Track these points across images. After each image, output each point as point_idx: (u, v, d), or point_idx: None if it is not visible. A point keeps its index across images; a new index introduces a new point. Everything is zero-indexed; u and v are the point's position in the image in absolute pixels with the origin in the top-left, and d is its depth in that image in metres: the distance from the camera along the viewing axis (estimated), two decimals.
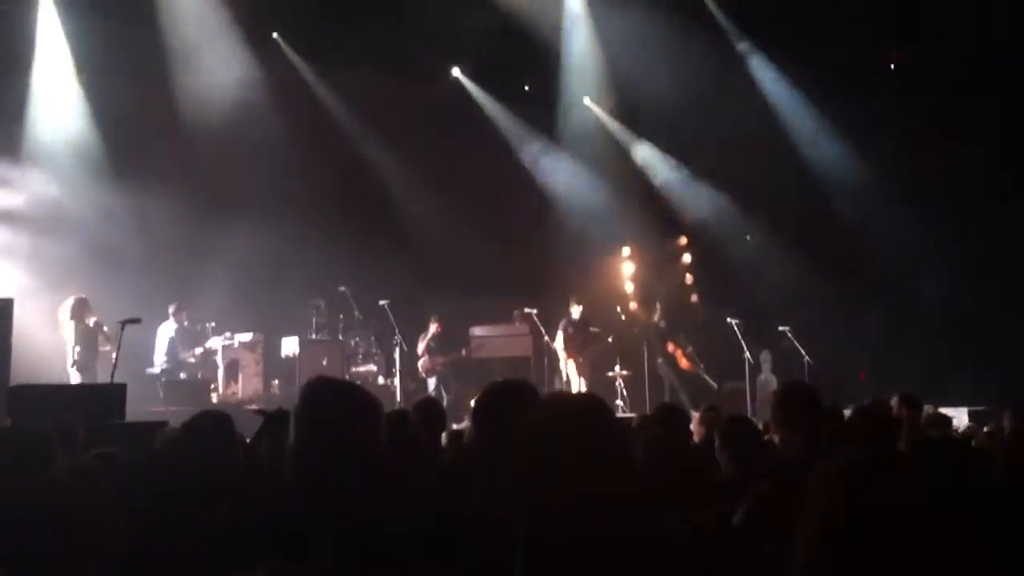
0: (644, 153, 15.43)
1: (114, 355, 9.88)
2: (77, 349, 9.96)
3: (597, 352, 12.82)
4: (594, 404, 1.82)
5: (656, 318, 13.45)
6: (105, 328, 10.12)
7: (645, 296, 14.35)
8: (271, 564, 1.20)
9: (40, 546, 2.06)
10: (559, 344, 12.48)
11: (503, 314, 13.27)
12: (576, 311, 12.66)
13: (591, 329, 12.71)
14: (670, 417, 4.27)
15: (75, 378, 9.91)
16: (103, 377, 9.80)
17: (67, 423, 4.16)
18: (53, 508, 2.13)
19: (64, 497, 2.28)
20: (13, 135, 11.12)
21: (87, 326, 10.08)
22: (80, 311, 10.09)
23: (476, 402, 2.56)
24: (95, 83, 11.68)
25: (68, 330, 10.02)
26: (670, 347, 13.22)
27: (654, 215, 14.98)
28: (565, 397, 2.36)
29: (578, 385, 12.16)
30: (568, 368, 12.42)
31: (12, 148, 11.19)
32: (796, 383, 3.98)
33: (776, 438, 3.68)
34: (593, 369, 12.73)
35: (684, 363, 13.15)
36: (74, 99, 11.56)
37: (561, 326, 12.57)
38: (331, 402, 2.11)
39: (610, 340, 12.97)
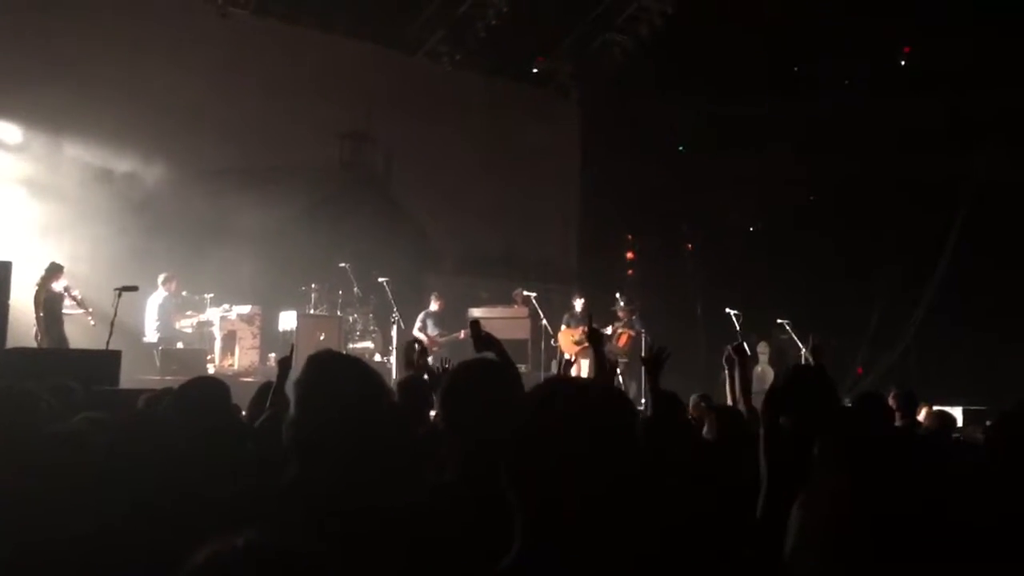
0: None
1: (88, 319, 9.94)
2: (41, 315, 9.92)
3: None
4: (596, 390, 1.79)
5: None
6: (75, 293, 10.10)
7: None
8: (259, 530, 1.17)
9: (27, 508, 2.04)
10: (559, 339, 12.39)
11: (504, 296, 13.26)
12: (579, 304, 12.61)
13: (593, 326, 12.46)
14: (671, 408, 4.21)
15: (38, 344, 9.85)
16: (83, 343, 9.82)
17: (64, 387, 4.13)
18: (40, 469, 2.11)
19: (51, 458, 2.25)
20: (15, 97, 11.02)
21: (51, 291, 10.02)
22: (47, 277, 10.03)
23: (444, 382, 2.55)
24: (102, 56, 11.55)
25: (34, 295, 9.98)
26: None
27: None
28: (564, 382, 2.33)
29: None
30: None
31: (11, 109, 11.09)
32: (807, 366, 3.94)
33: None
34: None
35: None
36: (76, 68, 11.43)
37: (564, 320, 12.53)
38: (335, 374, 2.09)
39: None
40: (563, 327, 12.52)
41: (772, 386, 3.84)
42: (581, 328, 12.10)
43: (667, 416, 3.81)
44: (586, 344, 12.11)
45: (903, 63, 14.26)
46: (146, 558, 1.93)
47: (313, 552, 1.18)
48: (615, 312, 12.77)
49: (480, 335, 3.62)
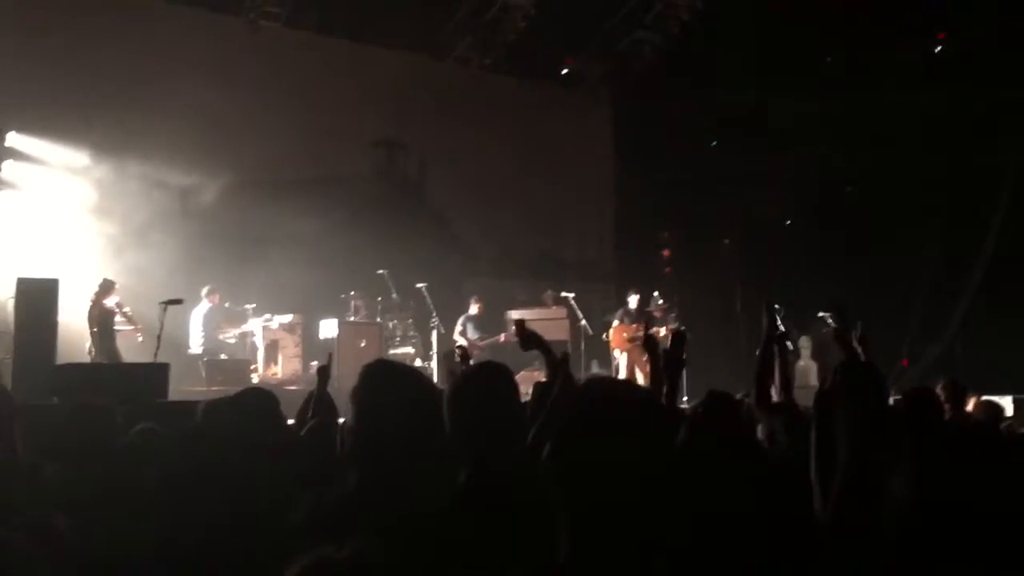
0: None
1: (136, 335, 10.13)
2: (95, 331, 10.12)
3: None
4: (631, 389, 1.82)
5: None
6: (126, 309, 10.33)
7: None
8: (321, 550, 1.21)
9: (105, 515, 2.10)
10: (611, 335, 12.35)
11: (541, 298, 13.29)
12: (633, 300, 12.51)
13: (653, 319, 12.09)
14: (720, 405, 4.17)
15: (92, 359, 10.06)
16: (130, 356, 10.02)
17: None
18: (115, 481, 2.17)
19: (121, 471, 2.32)
20: (62, 117, 11.25)
21: (103, 307, 10.23)
22: (100, 293, 10.24)
23: (450, 387, 2.55)
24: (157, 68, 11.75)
25: (88, 312, 10.19)
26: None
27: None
28: (603, 383, 2.35)
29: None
30: (622, 360, 12.21)
31: (57, 129, 11.33)
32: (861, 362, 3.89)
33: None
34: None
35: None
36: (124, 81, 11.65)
37: (617, 316, 12.45)
38: (391, 383, 2.13)
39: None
40: (616, 323, 12.40)
41: (821, 386, 3.82)
42: (635, 325, 12.05)
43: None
44: (638, 342, 12.11)
45: (938, 49, 14.05)
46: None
47: (403, 560, 1.21)
48: (651, 312, 12.71)
49: (525, 334, 3.62)
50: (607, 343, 12.48)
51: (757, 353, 4.31)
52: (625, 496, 1.54)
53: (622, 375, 11.99)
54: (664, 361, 3.46)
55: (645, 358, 11.60)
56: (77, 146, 11.43)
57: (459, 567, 1.95)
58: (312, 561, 1.21)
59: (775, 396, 4.69)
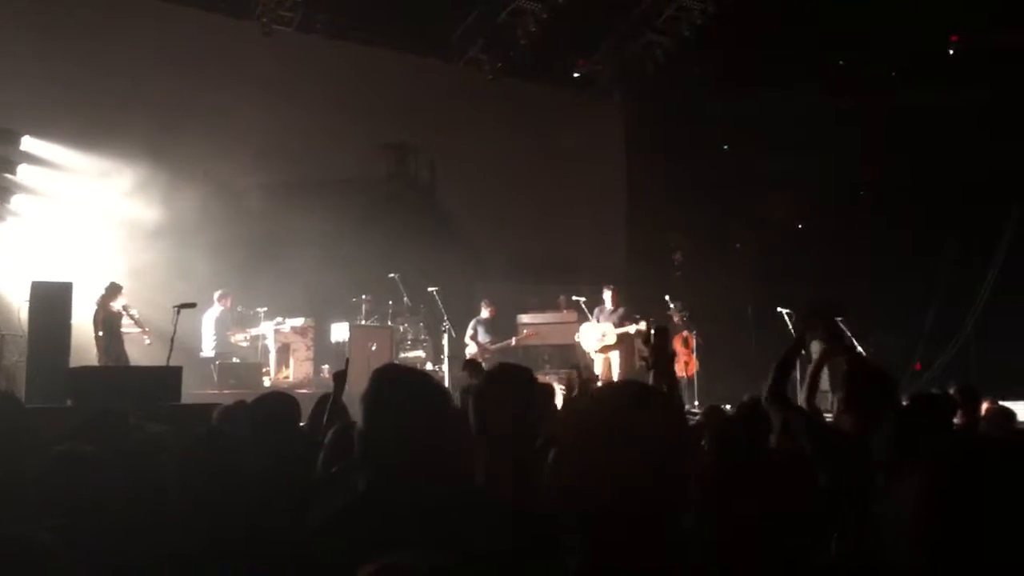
0: None
1: (144, 338, 10.17)
2: (100, 334, 10.16)
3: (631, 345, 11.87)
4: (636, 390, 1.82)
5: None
6: (133, 312, 10.35)
7: None
8: (380, 561, 1.22)
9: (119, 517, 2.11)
10: (579, 339, 11.99)
11: (553, 301, 13.28)
12: (607, 296, 12.17)
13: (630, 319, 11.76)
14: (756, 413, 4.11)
15: (98, 362, 10.10)
16: (138, 360, 10.07)
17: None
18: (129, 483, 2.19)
19: (137, 473, 2.33)
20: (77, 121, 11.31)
21: (110, 311, 10.26)
22: (106, 296, 10.28)
23: (474, 388, 2.64)
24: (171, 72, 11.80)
25: (94, 315, 10.23)
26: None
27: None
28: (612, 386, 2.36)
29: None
30: (597, 360, 11.83)
31: (71, 132, 11.38)
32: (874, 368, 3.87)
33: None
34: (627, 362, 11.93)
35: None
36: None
37: (594, 315, 12.12)
38: (401, 387, 2.14)
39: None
40: (593, 321, 12.08)
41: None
42: (603, 334, 11.83)
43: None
44: (608, 342, 11.92)
45: (951, 52, 14.01)
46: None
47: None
48: (669, 317, 12.67)
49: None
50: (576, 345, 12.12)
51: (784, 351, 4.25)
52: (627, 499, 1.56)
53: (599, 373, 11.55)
54: (652, 360, 3.45)
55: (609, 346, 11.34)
56: (89, 151, 11.49)
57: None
58: (377, 568, 1.23)
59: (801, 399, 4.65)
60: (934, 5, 12.85)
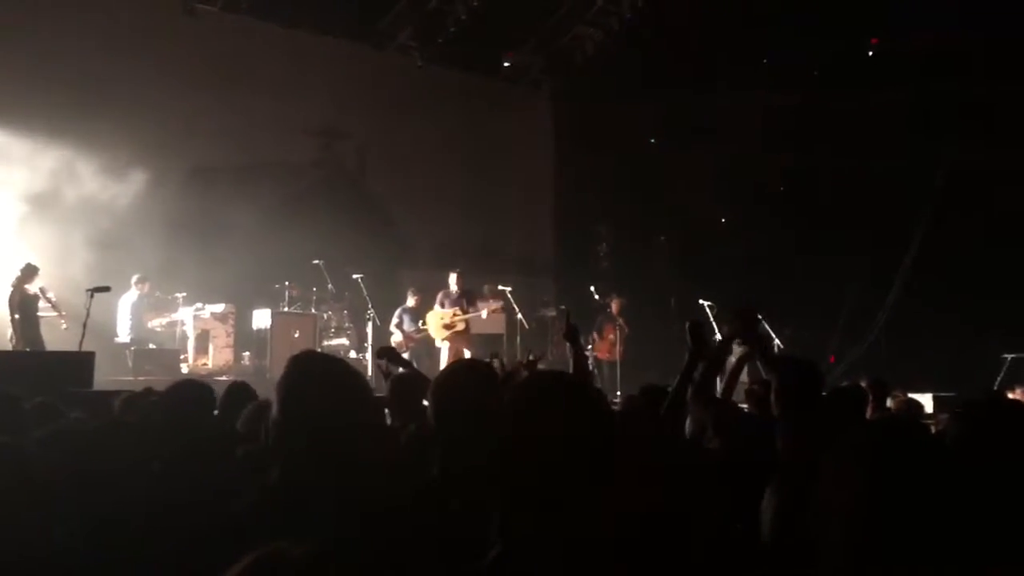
0: None
1: (61, 322, 9.87)
2: (16, 317, 9.84)
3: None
4: (562, 380, 1.85)
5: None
6: (51, 295, 10.04)
7: None
8: (272, 544, 1.19)
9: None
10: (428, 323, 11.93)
11: (477, 291, 13.26)
12: (453, 280, 12.11)
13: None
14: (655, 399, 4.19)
15: (13, 345, 9.78)
16: (54, 344, 9.76)
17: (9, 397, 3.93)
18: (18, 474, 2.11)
19: (27, 463, 2.24)
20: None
21: (27, 293, 9.94)
22: (22, 278, 9.96)
23: (434, 382, 2.69)
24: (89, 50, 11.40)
25: (8, 297, 9.90)
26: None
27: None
28: (542, 376, 2.42)
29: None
30: (443, 348, 11.79)
31: None
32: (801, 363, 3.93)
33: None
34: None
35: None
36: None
37: (438, 300, 12.00)
38: (317, 374, 2.10)
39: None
40: (436, 307, 11.94)
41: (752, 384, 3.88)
42: (453, 311, 11.88)
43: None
44: (457, 328, 11.81)
45: (871, 54, 14.42)
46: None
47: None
48: (606, 306, 12.90)
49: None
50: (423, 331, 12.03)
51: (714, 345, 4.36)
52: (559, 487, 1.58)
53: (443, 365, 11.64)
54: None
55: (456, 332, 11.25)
56: (2, 129, 11.05)
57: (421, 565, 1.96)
58: (265, 553, 1.20)
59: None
60: (855, 7, 13.21)
